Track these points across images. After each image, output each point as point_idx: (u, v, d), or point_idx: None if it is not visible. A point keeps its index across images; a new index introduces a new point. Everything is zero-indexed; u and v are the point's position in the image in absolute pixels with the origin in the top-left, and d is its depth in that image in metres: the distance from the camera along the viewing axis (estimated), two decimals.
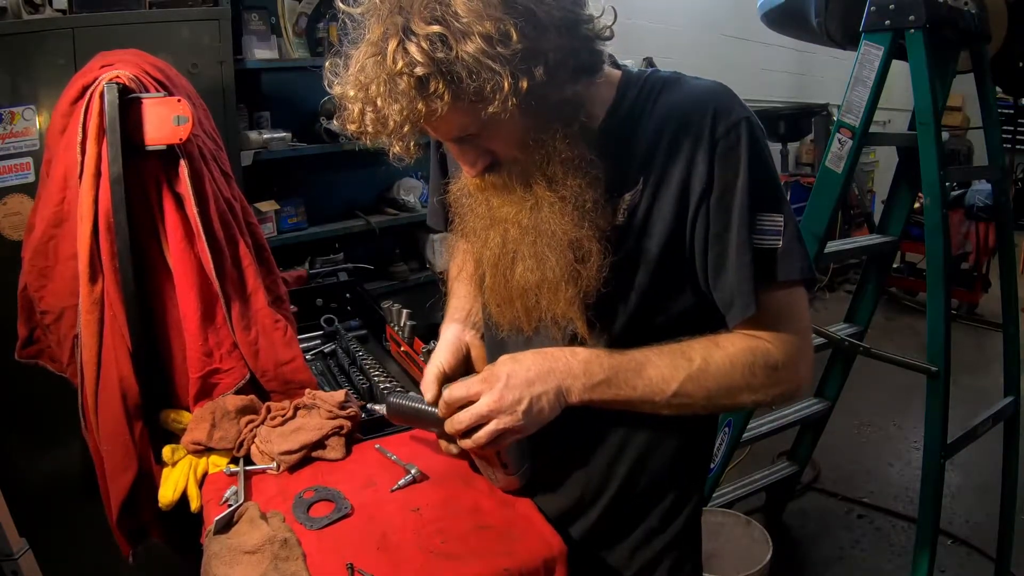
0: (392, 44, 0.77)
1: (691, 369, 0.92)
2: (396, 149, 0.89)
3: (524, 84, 0.80)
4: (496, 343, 1.10)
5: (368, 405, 1.16)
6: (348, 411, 1.27)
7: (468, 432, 0.93)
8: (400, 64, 0.77)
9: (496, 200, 0.95)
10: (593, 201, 0.91)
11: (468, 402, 0.90)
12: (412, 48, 0.77)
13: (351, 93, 0.83)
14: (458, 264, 1.25)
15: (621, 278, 0.95)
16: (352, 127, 0.85)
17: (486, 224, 0.98)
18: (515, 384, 0.89)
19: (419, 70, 0.77)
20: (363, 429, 1.29)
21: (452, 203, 1.04)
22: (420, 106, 0.79)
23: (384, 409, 1.08)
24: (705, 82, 0.96)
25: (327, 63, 0.88)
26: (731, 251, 0.92)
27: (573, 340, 1.00)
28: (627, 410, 0.94)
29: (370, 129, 0.84)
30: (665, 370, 0.92)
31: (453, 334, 1.14)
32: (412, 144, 0.88)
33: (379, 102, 0.80)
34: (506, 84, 0.79)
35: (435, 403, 1.00)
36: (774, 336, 0.95)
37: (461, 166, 0.95)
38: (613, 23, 0.89)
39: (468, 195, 1.00)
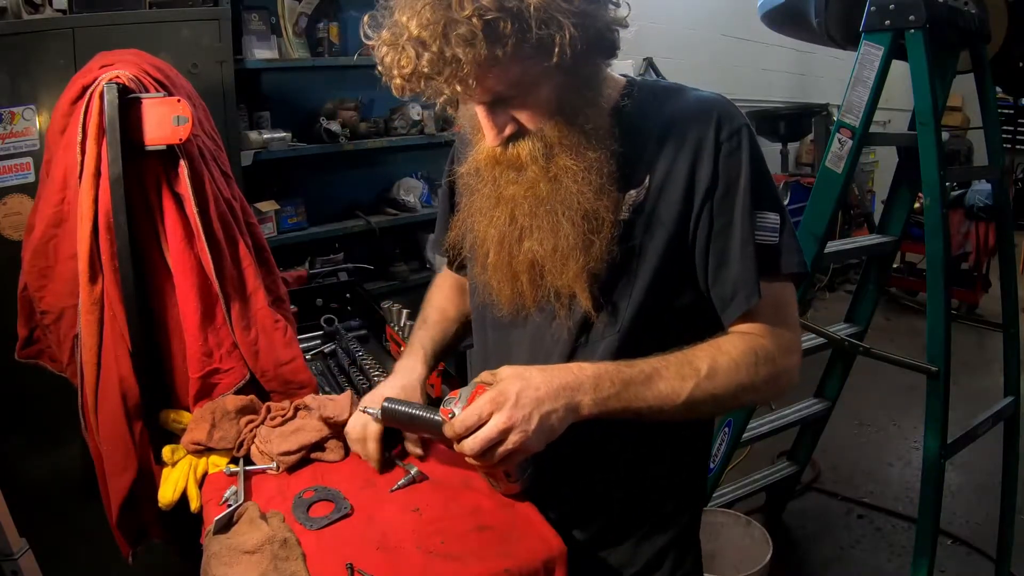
0: None
1: (699, 378, 0.94)
2: (443, 97, 0.89)
3: (579, 43, 0.85)
4: (495, 326, 1.10)
5: (363, 408, 1.14)
6: (332, 421, 1.22)
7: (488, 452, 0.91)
8: (468, 9, 0.80)
9: (504, 179, 0.98)
10: (609, 173, 0.95)
11: (480, 424, 0.89)
12: None
13: (412, 33, 0.82)
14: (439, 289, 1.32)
15: (627, 271, 0.98)
16: (406, 69, 0.84)
17: (492, 203, 1.00)
18: (525, 403, 0.88)
19: (489, 15, 0.80)
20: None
21: (459, 185, 1.06)
22: (483, 51, 0.81)
23: (379, 413, 1.06)
24: (707, 92, 1.02)
25: (365, 16, 0.89)
26: (734, 245, 0.96)
27: (582, 324, 1.01)
28: (635, 420, 0.94)
29: (426, 71, 0.84)
30: (674, 381, 0.93)
31: (407, 379, 1.16)
32: (464, 90, 0.87)
33: (439, 45, 0.81)
34: (567, 36, 0.84)
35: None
36: (769, 331, 0.98)
37: (485, 133, 0.96)
38: (627, 15, 0.95)
39: (476, 175, 1.02)
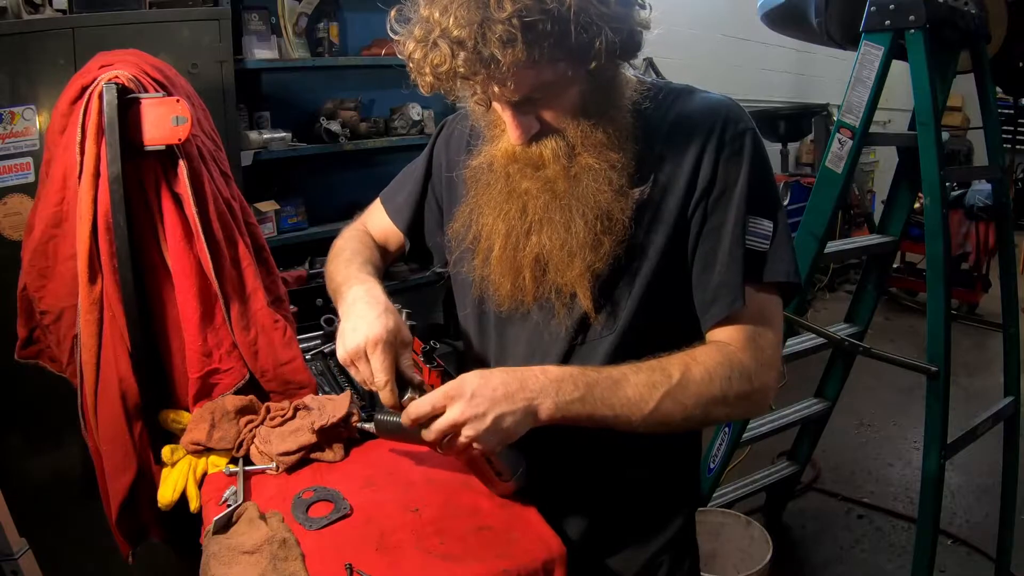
0: None
1: (669, 386, 0.91)
2: (476, 96, 0.89)
3: (613, 47, 0.86)
4: (493, 322, 1.10)
5: (358, 425, 1.16)
6: (325, 427, 1.21)
7: (447, 444, 0.91)
8: (509, 9, 0.79)
9: (519, 174, 0.97)
10: (629, 175, 0.95)
11: (433, 416, 0.89)
12: None
13: (447, 31, 0.81)
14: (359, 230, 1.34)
15: (628, 270, 0.97)
16: (441, 68, 0.83)
17: (503, 198, 1.00)
18: (479, 400, 0.87)
19: (529, 16, 0.80)
20: (361, 432, 1.28)
21: (467, 178, 1.06)
22: (521, 52, 0.81)
23: (373, 427, 1.06)
24: (716, 94, 1.01)
25: (393, 10, 0.88)
26: (723, 247, 0.96)
27: (580, 323, 1.00)
28: (602, 427, 0.92)
29: (461, 70, 0.83)
30: (643, 388, 0.90)
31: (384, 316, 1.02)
32: (501, 91, 0.86)
33: (477, 44, 0.80)
34: (605, 41, 0.84)
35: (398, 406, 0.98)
36: (749, 344, 0.96)
37: (509, 132, 0.95)
38: (650, 15, 0.94)
39: (489, 169, 1.02)
